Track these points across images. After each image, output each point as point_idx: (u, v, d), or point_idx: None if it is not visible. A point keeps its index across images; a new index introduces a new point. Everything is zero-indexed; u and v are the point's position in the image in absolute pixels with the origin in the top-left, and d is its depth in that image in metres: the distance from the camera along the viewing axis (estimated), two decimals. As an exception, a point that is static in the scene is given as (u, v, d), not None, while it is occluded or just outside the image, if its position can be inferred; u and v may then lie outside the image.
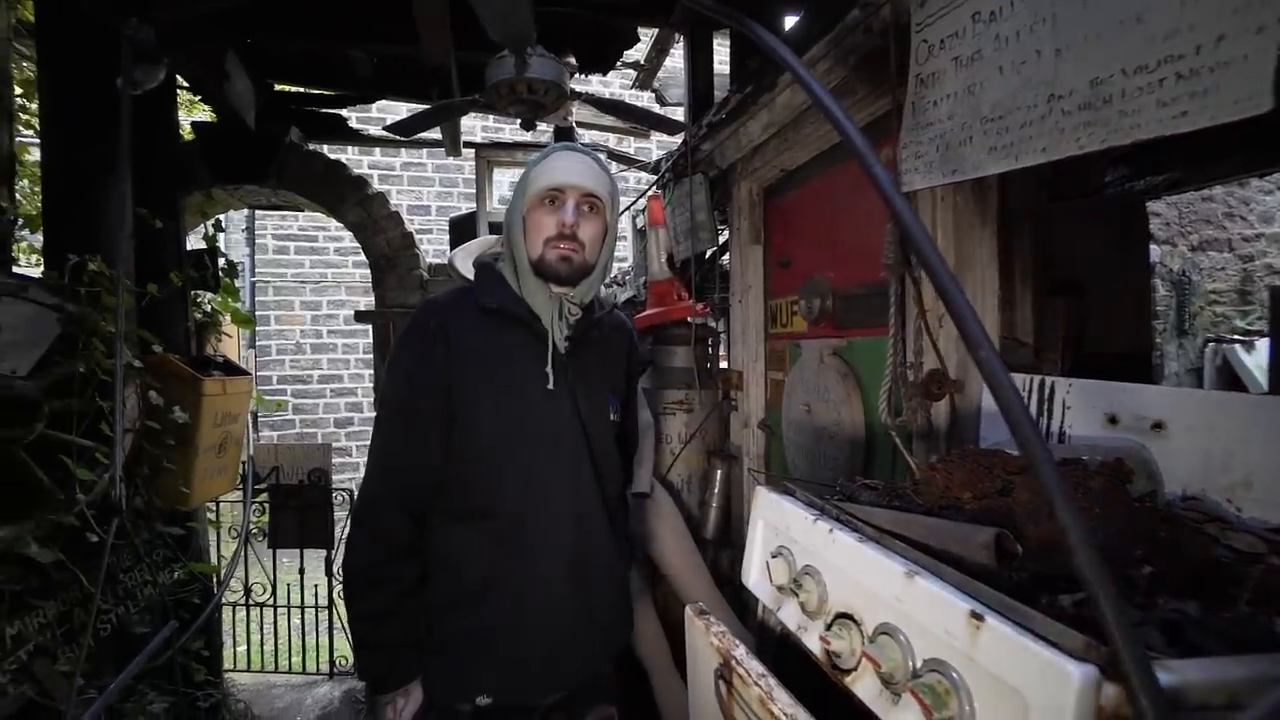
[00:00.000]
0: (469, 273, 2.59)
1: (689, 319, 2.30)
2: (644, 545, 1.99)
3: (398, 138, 2.62)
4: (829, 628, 0.71)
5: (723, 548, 2.23)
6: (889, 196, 0.69)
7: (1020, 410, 0.54)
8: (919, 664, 0.56)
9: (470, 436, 1.13)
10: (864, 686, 0.64)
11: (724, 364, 2.48)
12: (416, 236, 3.30)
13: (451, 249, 3.02)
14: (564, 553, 1.15)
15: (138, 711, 1.70)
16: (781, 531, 0.86)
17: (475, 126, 6.10)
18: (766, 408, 2.12)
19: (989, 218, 1.12)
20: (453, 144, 2.99)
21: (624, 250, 4.43)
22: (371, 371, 6.12)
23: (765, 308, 2.11)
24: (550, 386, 1.15)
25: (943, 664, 0.53)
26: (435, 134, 2.85)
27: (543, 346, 1.16)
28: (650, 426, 1.93)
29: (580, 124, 3.06)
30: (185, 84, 3.02)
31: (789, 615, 0.82)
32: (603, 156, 1.26)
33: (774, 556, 0.85)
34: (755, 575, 0.92)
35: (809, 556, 0.78)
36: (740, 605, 2.07)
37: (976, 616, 0.51)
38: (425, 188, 6.59)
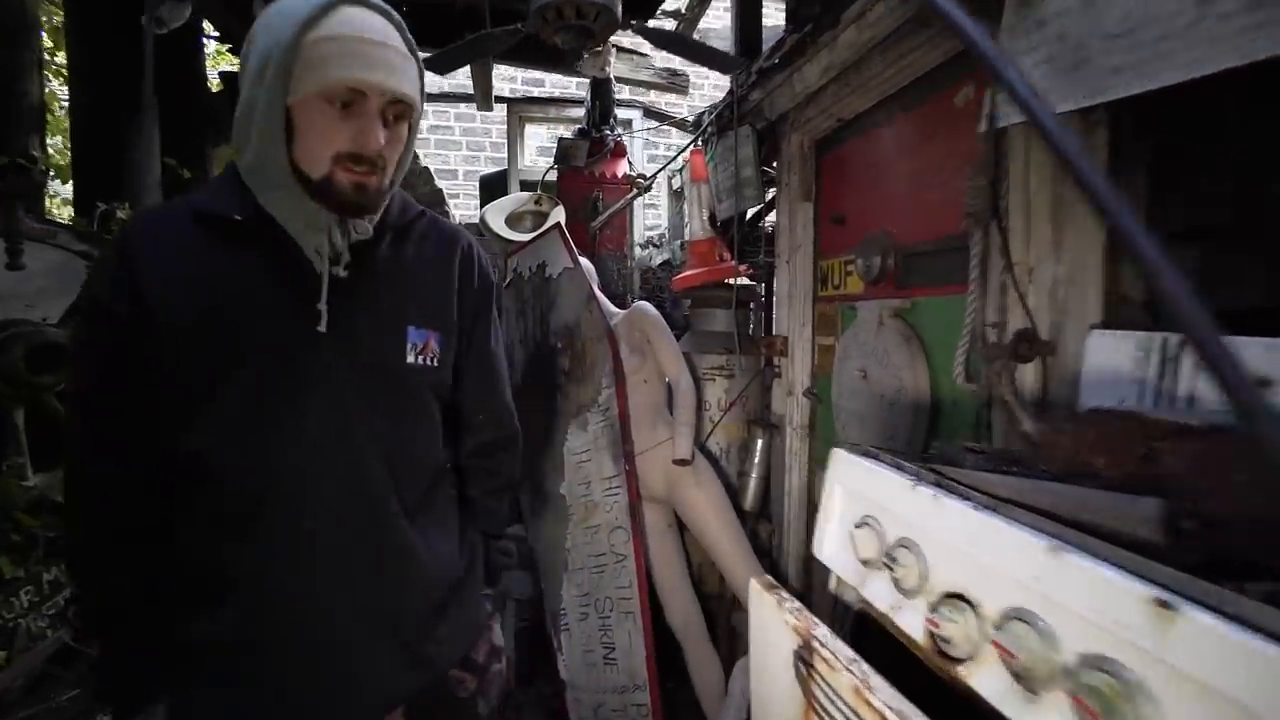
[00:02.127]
0: (502, 230, 2.52)
1: (730, 280, 2.19)
2: (683, 513, 1.92)
3: (428, 92, 2.50)
4: (935, 609, 0.61)
5: (761, 520, 2.15)
6: (1034, 110, 0.57)
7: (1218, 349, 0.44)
8: (1072, 660, 0.46)
9: (177, 387, 0.81)
10: (985, 678, 0.55)
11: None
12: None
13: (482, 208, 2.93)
14: (338, 549, 0.86)
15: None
16: (867, 499, 0.77)
17: (504, 88, 5.95)
18: (813, 374, 2.01)
19: (1094, 158, 0.99)
20: (484, 98, 2.87)
21: (660, 213, 4.29)
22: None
23: (814, 268, 1.98)
24: (321, 328, 0.83)
25: (1110, 661, 0.44)
26: (467, 87, 2.73)
27: (297, 271, 0.85)
28: (691, 390, 1.84)
29: (617, 79, 2.93)
30: (214, 35, 2.94)
31: (877, 593, 0.73)
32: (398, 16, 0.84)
33: (858, 527, 0.76)
34: (832, 547, 0.83)
35: (905, 527, 0.69)
36: (775, 578, 1.99)
37: (1164, 605, 0.41)
38: (452, 151, 6.47)
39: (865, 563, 0.75)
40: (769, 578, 0.85)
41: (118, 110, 2.04)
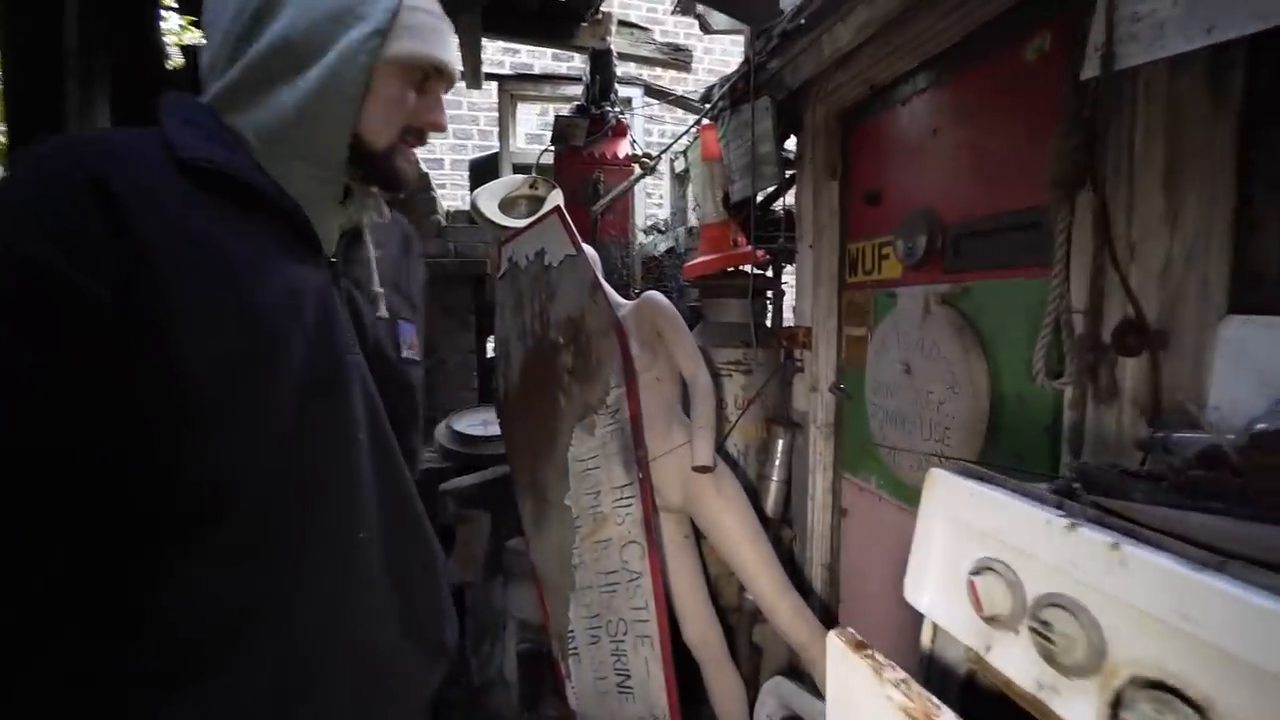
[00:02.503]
0: (495, 215, 2.32)
1: (746, 267, 2.01)
2: (702, 524, 1.75)
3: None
4: (1128, 703, 0.45)
5: (783, 525, 1.99)
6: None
7: None
8: None
9: (189, 397, 0.60)
10: (1241, 823, 0.38)
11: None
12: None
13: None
14: (386, 558, 0.75)
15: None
16: (990, 537, 0.60)
17: (494, 66, 5.71)
18: (839, 368, 1.84)
19: (1227, 109, 0.82)
20: (473, 74, 2.66)
21: (660, 197, 4.10)
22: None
23: (842, 252, 1.81)
24: (341, 313, 0.74)
25: None
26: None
27: (305, 250, 0.71)
28: (710, 388, 1.66)
29: (616, 55, 2.73)
30: (173, 5, 2.71)
31: (1014, 664, 0.56)
32: None
33: (978, 573, 0.59)
34: (934, 593, 0.66)
35: (1060, 582, 0.52)
36: (798, 588, 1.84)
37: None
38: (438, 139, 6.22)
39: (991, 620, 0.58)
40: (853, 632, 0.67)
41: (61, 85, 1.82)
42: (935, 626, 0.70)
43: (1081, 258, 0.99)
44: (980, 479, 0.65)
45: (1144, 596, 0.46)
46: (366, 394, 0.75)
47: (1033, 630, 0.53)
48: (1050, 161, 0.99)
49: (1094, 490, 0.60)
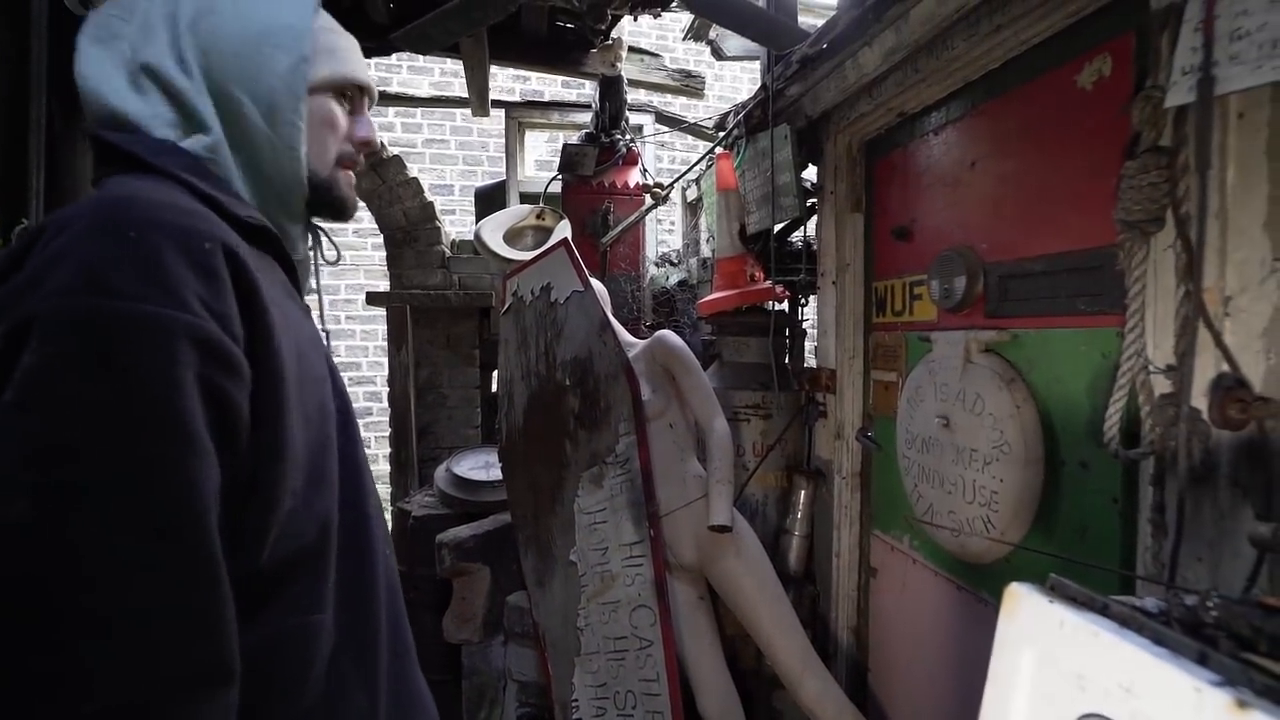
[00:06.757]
0: (500, 247, 2.23)
1: (766, 304, 1.90)
2: (718, 586, 1.61)
3: (418, 96, 2.23)
4: None
5: (805, 584, 1.84)
6: None
7: None
8: None
9: (288, 454, 0.58)
10: None
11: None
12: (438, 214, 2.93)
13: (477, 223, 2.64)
14: (391, 570, 0.75)
15: None
16: (1096, 686, 0.47)
17: (504, 93, 5.71)
18: (866, 415, 1.71)
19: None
20: (479, 101, 2.60)
21: (669, 226, 4.02)
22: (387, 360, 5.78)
23: (868, 290, 1.69)
24: (328, 350, 0.72)
25: None
26: (461, 91, 2.46)
27: (293, 288, 0.71)
28: (727, 437, 1.53)
29: (630, 81, 2.65)
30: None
31: None
32: None
33: (1091, 740, 0.46)
34: (1025, 753, 0.53)
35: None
36: (820, 653, 1.68)
37: None
38: (449, 166, 6.21)
39: (1112, 808, 0.44)
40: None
41: (51, 112, 1.75)
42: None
43: (1158, 308, 0.87)
44: (1078, 603, 0.52)
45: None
46: (354, 421, 0.75)
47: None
48: (1120, 198, 0.87)
49: (1233, 631, 0.46)
